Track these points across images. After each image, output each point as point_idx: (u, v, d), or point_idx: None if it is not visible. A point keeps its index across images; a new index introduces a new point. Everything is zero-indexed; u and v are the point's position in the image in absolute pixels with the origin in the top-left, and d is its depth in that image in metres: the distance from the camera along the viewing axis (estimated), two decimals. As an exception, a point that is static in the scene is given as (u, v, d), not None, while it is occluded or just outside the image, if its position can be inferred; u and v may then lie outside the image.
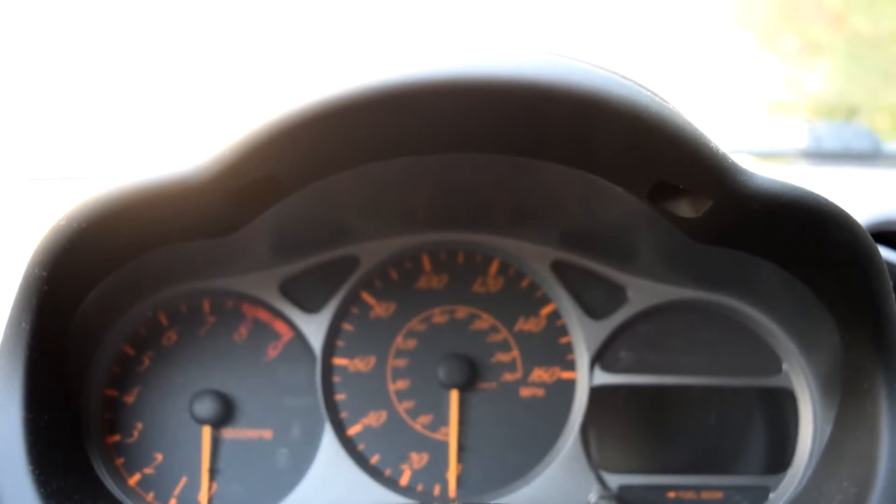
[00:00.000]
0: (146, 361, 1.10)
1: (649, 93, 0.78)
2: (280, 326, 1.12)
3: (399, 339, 1.13)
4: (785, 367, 1.12)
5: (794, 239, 0.87)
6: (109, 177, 0.84)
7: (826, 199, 0.83)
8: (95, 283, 0.95)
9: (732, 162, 0.80)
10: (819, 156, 1.77)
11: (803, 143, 1.82)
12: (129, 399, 1.09)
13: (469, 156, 0.90)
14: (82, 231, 0.83)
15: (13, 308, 0.89)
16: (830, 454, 1.03)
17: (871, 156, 1.80)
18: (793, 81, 4.08)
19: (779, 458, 1.11)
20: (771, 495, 1.09)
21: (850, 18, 4.32)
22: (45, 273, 0.86)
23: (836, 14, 4.33)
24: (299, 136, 0.75)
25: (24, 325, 0.89)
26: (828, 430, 1.05)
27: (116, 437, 1.09)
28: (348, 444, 1.10)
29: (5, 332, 0.90)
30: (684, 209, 0.87)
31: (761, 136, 1.89)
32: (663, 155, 0.78)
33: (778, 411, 1.12)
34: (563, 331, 1.13)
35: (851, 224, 0.83)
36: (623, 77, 0.77)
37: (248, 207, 0.86)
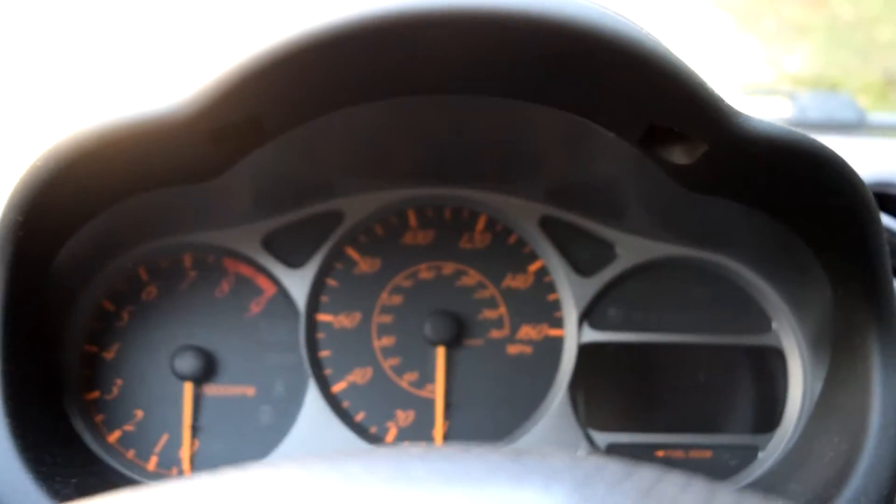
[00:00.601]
0: (126, 317, 1.08)
1: (644, 30, 0.76)
2: (263, 282, 1.10)
3: (384, 296, 1.11)
4: (774, 325, 1.11)
5: (790, 186, 0.86)
6: (87, 115, 0.81)
7: (822, 144, 0.81)
8: (73, 230, 0.92)
9: (729, 104, 0.79)
10: (803, 126, 1.75)
11: (788, 113, 1.82)
12: (109, 355, 1.07)
13: (456, 101, 0.88)
14: (60, 172, 0.80)
15: None
16: (821, 411, 1.03)
17: (855, 126, 1.80)
18: (773, 62, 4.09)
19: (768, 417, 1.11)
20: (760, 454, 1.09)
21: (830, 1, 4.34)
22: (20, 218, 0.84)
23: (816, -4, 4.35)
24: (285, 71, 0.73)
25: None
26: (818, 388, 1.04)
27: (96, 394, 1.06)
28: (333, 402, 1.08)
29: None
30: (677, 155, 0.85)
31: (745, 106, 1.88)
32: (659, 94, 0.76)
33: (767, 370, 1.12)
34: (551, 287, 1.11)
35: (849, 171, 0.82)
36: (618, 13, 0.76)
37: (230, 149, 0.84)
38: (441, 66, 0.78)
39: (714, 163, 0.83)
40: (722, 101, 0.78)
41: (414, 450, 0.47)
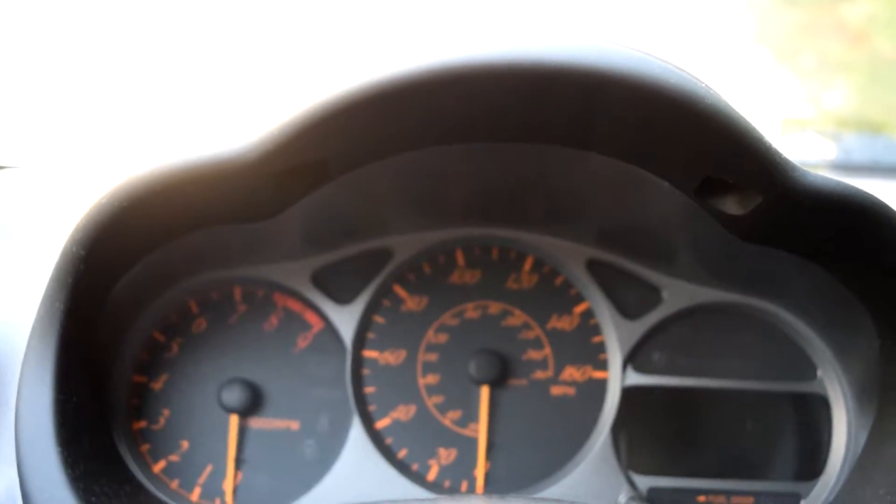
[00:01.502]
0: (175, 348, 1.09)
1: (704, 84, 0.77)
2: (311, 317, 1.11)
3: (430, 333, 1.12)
4: (820, 373, 1.11)
5: (843, 240, 0.86)
6: (154, 157, 0.83)
7: (879, 200, 0.81)
8: (131, 264, 0.94)
9: (785, 157, 0.79)
10: (847, 167, 1.75)
11: (832, 154, 1.81)
12: (157, 385, 1.09)
13: (512, 147, 0.89)
14: (124, 210, 0.82)
15: (48, 287, 0.88)
16: (866, 461, 1.02)
17: (900, 169, 1.78)
18: (812, 99, 4.07)
19: (811, 465, 1.10)
20: (803, 502, 1.08)
21: (871, 38, 4.32)
22: (83, 252, 0.85)
23: (857, 33, 4.32)
24: (353, 117, 0.74)
25: (58, 304, 0.88)
26: (862, 437, 1.04)
27: (143, 424, 1.08)
28: (376, 438, 1.09)
29: (38, 311, 0.90)
30: (731, 206, 0.86)
31: (789, 147, 1.88)
32: (716, 147, 0.77)
33: (811, 417, 1.11)
34: (597, 330, 1.12)
35: None
36: (678, 67, 0.76)
37: (291, 191, 0.85)
38: (501, 116, 0.79)
39: (768, 214, 0.84)
40: (779, 154, 0.79)
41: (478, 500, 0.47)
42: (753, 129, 0.77)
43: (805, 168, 0.81)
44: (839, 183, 0.80)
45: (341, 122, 0.75)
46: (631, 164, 0.87)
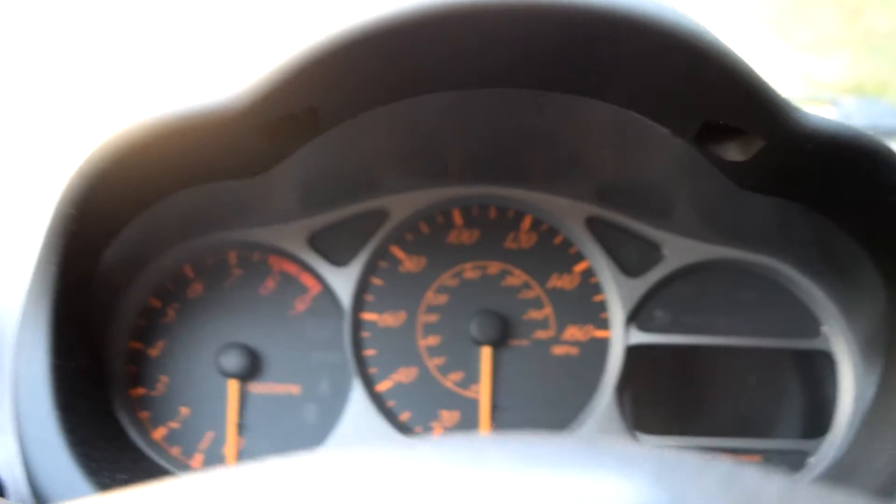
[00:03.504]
0: (171, 314, 1.08)
1: (706, 26, 0.75)
2: (307, 280, 1.10)
3: (429, 294, 1.10)
4: (824, 328, 1.09)
5: (846, 183, 0.85)
6: (140, 108, 0.81)
7: (880, 141, 0.80)
8: (123, 224, 0.93)
9: (786, 99, 0.78)
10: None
11: (832, 118, 1.79)
12: (154, 352, 1.07)
13: (507, 94, 0.87)
14: (114, 165, 0.81)
15: (41, 249, 0.87)
16: (874, 417, 1.01)
17: (899, 132, 1.77)
18: (808, 74, 4.06)
19: (818, 422, 1.09)
20: (810, 459, 1.07)
21: (866, 12, 4.30)
22: (74, 211, 0.84)
23: (852, 7, 4.31)
24: (345, 61, 0.73)
25: (50, 267, 0.87)
26: (870, 393, 1.02)
27: (141, 391, 1.06)
28: (377, 401, 1.08)
29: (32, 277, 0.89)
30: (732, 152, 0.84)
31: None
32: (717, 89, 0.76)
33: (817, 374, 1.10)
34: (598, 288, 1.10)
35: None
36: (679, 8, 0.75)
37: (282, 143, 0.84)
38: (500, 58, 0.77)
39: (769, 159, 0.82)
40: (779, 96, 0.78)
41: (486, 437, 0.46)
42: (753, 70, 0.76)
43: (807, 111, 0.80)
44: (840, 124, 0.79)
45: (333, 67, 0.73)
46: (630, 111, 0.85)
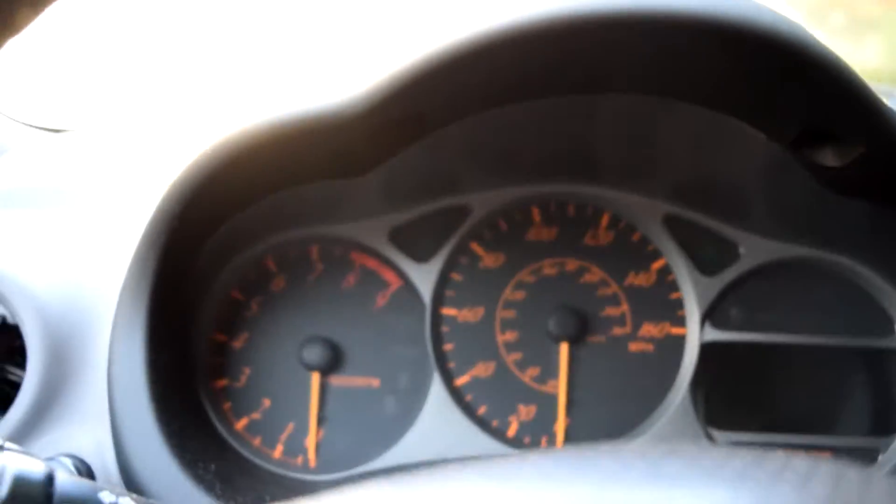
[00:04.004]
0: (254, 307, 1.10)
1: (812, 33, 0.76)
2: (388, 275, 1.11)
3: (508, 291, 1.12)
4: (897, 327, 1.10)
5: None
6: (252, 111, 0.83)
7: None
8: (222, 223, 0.95)
9: (888, 105, 0.79)
10: None
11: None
12: (238, 344, 1.09)
13: (604, 99, 0.88)
14: (224, 167, 0.82)
15: (141, 245, 0.89)
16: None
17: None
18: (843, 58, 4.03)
19: (888, 420, 1.10)
20: (880, 457, 1.08)
21: (902, -5, 4.26)
22: (178, 209, 0.86)
23: (888, -10, 4.27)
24: (457, 70, 0.74)
25: (150, 263, 0.89)
26: None
27: (224, 382, 1.09)
28: (456, 395, 1.09)
29: (130, 269, 0.90)
30: (829, 157, 0.85)
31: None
32: (824, 97, 0.77)
33: (888, 373, 1.11)
34: (674, 286, 1.12)
35: None
36: (787, 16, 0.76)
37: (388, 146, 0.85)
38: (608, 66, 0.78)
39: (866, 165, 0.83)
40: (882, 102, 0.78)
41: (594, 451, 0.47)
42: (860, 78, 0.77)
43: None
44: None
45: (448, 75, 0.74)
46: (723, 115, 0.86)
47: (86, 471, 0.90)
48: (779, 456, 0.44)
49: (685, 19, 0.71)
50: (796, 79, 0.76)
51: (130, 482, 0.87)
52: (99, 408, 0.92)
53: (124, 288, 0.91)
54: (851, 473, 0.43)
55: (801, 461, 0.43)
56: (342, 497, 0.42)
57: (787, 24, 0.74)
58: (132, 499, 0.65)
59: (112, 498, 0.62)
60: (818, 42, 0.75)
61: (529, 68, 0.77)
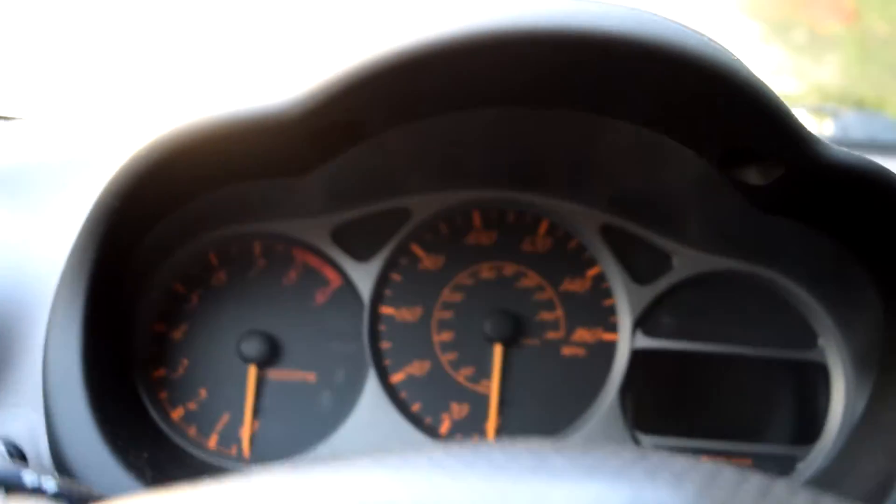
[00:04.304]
0: (195, 299, 1.11)
1: (736, 56, 0.79)
2: (329, 273, 1.13)
3: (446, 292, 1.14)
4: (821, 341, 1.14)
5: (859, 212, 0.89)
6: (191, 109, 0.84)
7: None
8: (161, 217, 0.96)
9: (810, 131, 0.82)
10: (844, 145, 1.78)
11: (829, 130, 1.84)
12: (177, 335, 1.11)
13: (538, 113, 0.91)
14: (164, 162, 0.84)
15: (80, 236, 0.90)
16: (863, 428, 1.06)
17: (896, 147, 1.81)
18: (801, 75, 4.10)
19: (809, 430, 1.14)
20: (799, 465, 1.12)
21: (863, 15, 4.34)
22: (117, 203, 0.87)
23: (849, 10, 4.35)
24: (398, 77, 0.76)
25: (88, 253, 0.90)
26: (860, 405, 1.07)
27: (162, 372, 1.10)
28: (391, 391, 1.12)
29: (69, 258, 0.91)
30: (753, 176, 0.88)
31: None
32: (748, 119, 0.80)
33: (811, 384, 1.15)
34: (608, 293, 1.15)
35: None
36: (713, 39, 0.79)
37: (327, 148, 0.87)
38: (533, 80, 0.81)
39: (788, 185, 0.87)
40: (804, 128, 0.81)
41: (533, 445, 0.49)
42: (782, 103, 0.80)
43: (828, 143, 0.84)
44: (860, 158, 0.83)
45: (385, 82, 0.76)
46: (657, 133, 0.89)
47: (18, 454, 0.91)
48: (660, 455, 0.47)
49: (606, 41, 0.73)
50: (719, 101, 0.79)
51: (62, 466, 0.88)
52: (34, 393, 0.92)
53: (63, 276, 0.92)
54: (725, 473, 0.46)
55: (677, 462, 0.46)
56: (244, 484, 0.44)
57: (713, 49, 0.76)
58: (55, 478, 0.67)
59: (33, 476, 0.63)
60: (743, 66, 0.78)
61: (459, 80, 0.79)
